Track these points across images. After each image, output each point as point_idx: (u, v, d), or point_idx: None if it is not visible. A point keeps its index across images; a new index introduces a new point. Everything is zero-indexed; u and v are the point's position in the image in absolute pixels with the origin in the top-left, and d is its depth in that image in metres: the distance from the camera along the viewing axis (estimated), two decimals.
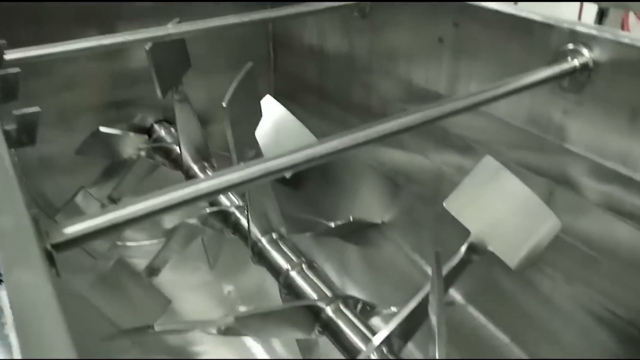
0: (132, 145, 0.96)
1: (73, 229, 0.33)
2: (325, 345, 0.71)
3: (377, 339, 0.60)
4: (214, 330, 0.57)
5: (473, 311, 0.81)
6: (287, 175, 0.91)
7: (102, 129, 0.92)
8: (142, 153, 0.97)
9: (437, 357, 0.43)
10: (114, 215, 0.34)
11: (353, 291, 0.94)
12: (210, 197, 0.38)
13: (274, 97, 1.00)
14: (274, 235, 0.77)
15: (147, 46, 0.77)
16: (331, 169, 1.05)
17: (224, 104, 0.60)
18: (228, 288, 1.04)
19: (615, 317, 0.65)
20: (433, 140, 0.85)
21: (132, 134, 0.97)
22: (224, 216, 0.84)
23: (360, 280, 0.99)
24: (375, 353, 0.59)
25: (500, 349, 0.78)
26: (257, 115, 0.73)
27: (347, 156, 0.43)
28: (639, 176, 0.59)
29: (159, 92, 0.82)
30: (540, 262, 0.69)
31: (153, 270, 0.89)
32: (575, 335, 0.70)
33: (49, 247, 0.32)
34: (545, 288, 0.72)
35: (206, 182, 0.38)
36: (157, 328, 0.54)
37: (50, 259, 0.32)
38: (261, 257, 0.76)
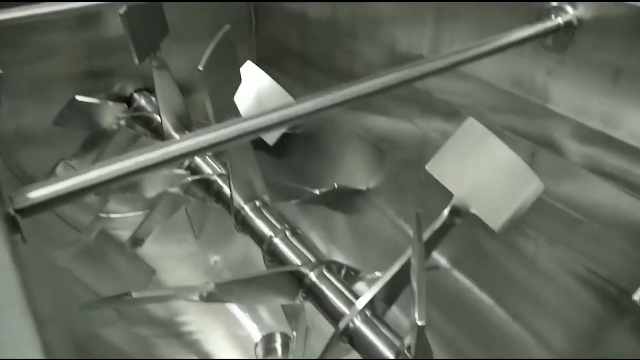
0: (111, 115, 0.94)
1: (39, 193, 0.32)
2: (311, 312, 0.71)
3: (360, 303, 0.60)
4: (196, 297, 0.57)
5: (458, 275, 0.82)
6: (270, 142, 0.91)
7: (79, 97, 0.90)
8: (122, 123, 0.95)
9: (416, 319, 0.43)
10: (82, 178, 0.33)
11: (339, 258, 0.94)
12: (183, 159, 0.37)
13: (256, 64, 0.99)
14: (257, 203, 0.76)
15: (122, 10, 0.74)
16: (316, 137, 1.04)
17: (200, 67, 0.59)
18: (214, 258, 1.04)
19: (597, 277, 0.65)
20: (418, 105, 0.84)
21: (110, 103, 0.95)
22: (207, 185, 0.83)
23: (346, 247, 0.99)
24: (358, 316, 0.59)
25: (485, 312, 0.79)
26: (237, 80, 0.71)
27: (325, 116, 0.42)
28: (620, 136, 0.59)
29: (135, 59, 0.80)
30: (523, 225, 0.69)
31: (137, 240, 0.88)
32: (559, 295, 0.71)
33: (12, 212, 0.30)
34: (529, 250, 0.72)
35: (178, 144, 0.36)
36: (134, 295, 0.53)
37: (14, 224, 0.31)
38: (244, 225, 0.75)
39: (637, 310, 0.50)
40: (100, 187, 0.33)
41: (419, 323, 0.43)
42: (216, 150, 0.42)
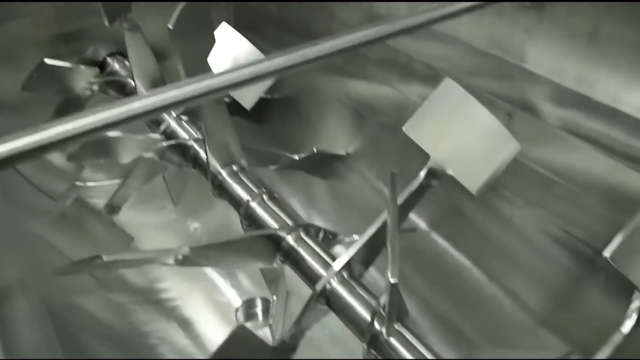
0: (83, 79, 0.91)
1: None
2: (291, 277, 0.71)
3: (337, 265, 0.59)
4: (171, 261, 0.56)
5: (436, 237, 0.82)
6: (248, 107, 0.89)
7: (48, 60, 0.87)
8: (95, 87, 0.92)
9: (389, 277, 0.43)
10: (37, 137, 0.32)
11: (320, 223, 0.93)
12: (147, 116, 0.35)
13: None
14: (235, 168, 0.75)
15: None
16: (294, 101, 1.03)
17: (169, 26, 0.57)
18: (194, 225, 1.04)
19: (572, 237, 0.66)
20: (398, 69, 0.83)
21: (82, 67, 0.92)
22: (183, 150, 0.81)
23: (327, 212, 0.99)
24: (335, 278, 0.59)
25: (462, 273, 0.80)
26: (211, 41, 0.69)
27: (299, 73, 0.41)
28: (596, 95, 0.58)
29: (105, 20, 0.77)
30: (500, 187, 0.69)
31: (113, 208, 0.87)
32: (535, 256, 0.72)
33: None
34: (506, 212, 0.72)
35: (140, 101, 0.35)
36: (106, 258, 0.53)
37: None
38: (222, 189, 0.74)
39: (609, 269, 0.51)
40: (59, 145, 0.32)
41: (392, 281, 0.43)
42: (183, 107, 0.41)
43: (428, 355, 0.52)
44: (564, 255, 0.68)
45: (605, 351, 0.46)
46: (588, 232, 0.64)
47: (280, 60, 0.41)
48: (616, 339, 0.46)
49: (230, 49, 0.78)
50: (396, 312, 0.51)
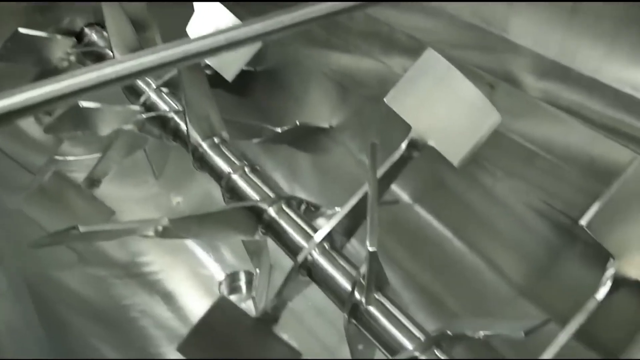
0: (59, 50, 0.89)
1: None
2: (275, 251, 0.71)
3: (318, 236, 0.60)
4: (150, 233, 0.56)
5: (419, 210, 0.83)
6: (229, 79, 0.88)
7: (22, 30, 0.85)
8: (72, 58, 0.90)
9: (368, 246, 0.43)
10: (4, 102, 0.31)
11: (303, 196, 0.93)
12: (120, 82, 0.34)
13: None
14: (216, 140, 0.74)
15: None
16: (277, 74, 1.02)
17: None
18: (176, 199, 1.03)
19: (552, 208, 0.66)
20: (381, 40, 0.82)
21: (58, 37, 0.89)
22: (163, 122, 0.80)
23: (310, 185, 0.99)
24: (316, 249, 0.59)
25: (444, 245, 0.80)
26: (190, 12, 0.68)
27: (270, 39, 0.40)
28: (577, 66, 0.58)
29: None
30: (481, 159, 0.69)
31: (93, 181, 0.86)
32: (515, 227, 0.72)
33: None
34: (487, 183, 0.72)
35: (113, 66, 0.34)
36: (82, 229, 0.52)
37: None
38: (203, 162, 0.74)
39: (586, 238, 0.52)
40: (28, 111, 0.31)
41: (371, 249, 0.43)
42: (157, 72, 0.40)
43: (407, 324, 0.52)
44: (544, 226, 0.68)
45: (579, 317, 0.46)
46: (568, 203, 0.64)
47: (258, 27, 0.40)
48: (590, 305, 0.47)
49: (210, 19, 0.77)
50: (376, 281, 0.51)
